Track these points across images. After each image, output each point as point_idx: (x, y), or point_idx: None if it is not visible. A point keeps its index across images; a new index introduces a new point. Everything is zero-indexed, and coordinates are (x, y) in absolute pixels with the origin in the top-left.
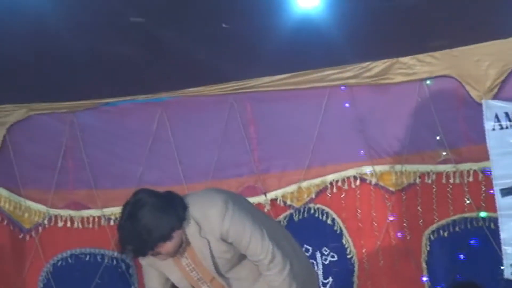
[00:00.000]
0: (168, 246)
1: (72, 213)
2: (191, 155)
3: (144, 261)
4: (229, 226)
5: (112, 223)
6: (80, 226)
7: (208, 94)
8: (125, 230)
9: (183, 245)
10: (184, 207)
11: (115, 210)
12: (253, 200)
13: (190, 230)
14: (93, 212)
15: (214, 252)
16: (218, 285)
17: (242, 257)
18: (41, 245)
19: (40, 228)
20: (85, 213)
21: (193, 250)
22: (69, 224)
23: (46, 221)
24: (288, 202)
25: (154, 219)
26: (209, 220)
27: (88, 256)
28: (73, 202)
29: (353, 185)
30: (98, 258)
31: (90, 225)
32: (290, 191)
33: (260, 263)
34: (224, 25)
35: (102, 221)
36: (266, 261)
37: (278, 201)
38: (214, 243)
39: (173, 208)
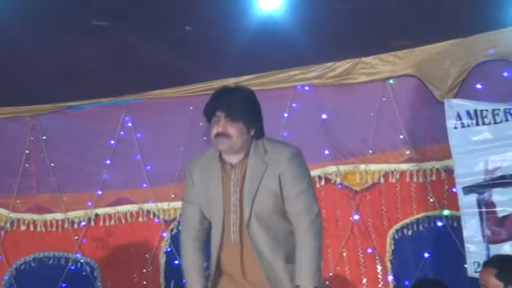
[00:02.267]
0: (237, 127)
1: (35, 216)
2: (156, 158)
3: (195, 179)
4: (294, 167)
5: (76, 226)
6: (43, 229)
7: (173, 96)
8: (231, 93)
9: (240, 161)
10: (261, 131)
11: (79, 214)
12: None
13: (256, 149)
14: (57, 216)
15: (263, 184)
16: (244, 227)
17: (276, 224)
18: (3, 249)
19: (2, 232)
20: (49, 216)
21: (246, 169)
22: (32, 228)
23: (8, 225)
24: None
25: (244, 101)
26: (279, 153)
27: (51, 260)
28: (37, 206)
29: (318, 185)
30: (62, 261)
31: (54, 229)
32: None
33: (301, 222)
34: (187, 28)
35: (66, 225)
36: (307, 220)
37: None
38: (270, 174)
39: (258, 117)
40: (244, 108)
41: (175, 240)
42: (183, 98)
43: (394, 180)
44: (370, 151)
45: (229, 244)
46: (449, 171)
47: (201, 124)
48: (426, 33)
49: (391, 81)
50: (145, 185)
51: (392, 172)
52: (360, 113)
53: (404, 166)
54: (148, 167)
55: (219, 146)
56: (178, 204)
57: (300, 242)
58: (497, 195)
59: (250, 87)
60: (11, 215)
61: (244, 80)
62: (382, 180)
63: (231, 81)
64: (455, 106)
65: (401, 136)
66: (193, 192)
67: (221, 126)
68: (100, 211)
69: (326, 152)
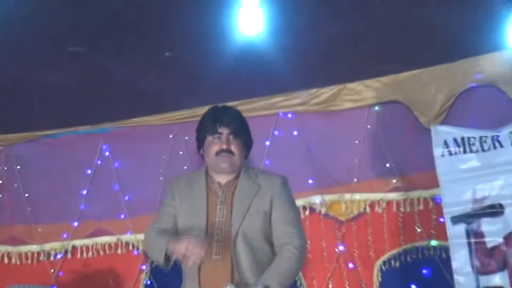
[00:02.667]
0: (239, 145)
1: (10, 248)
2: (135, 188)
3: (177, 193)
4: (287, 193)
5: (52, 258)
6: (18, 262)
7: (152, 123)
8: (230, 110)
9: (229, 181)
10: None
11: (55, 245)
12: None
13: (247, 171)
14: (32, 248)
15: (254, 204)
16: (228, 245)
17: (261, 246)
18: None
19: None
20: (24, 248)
21: (236, 189)
22: (6, 260)
23: None
24: None
25: (243, 119)
26: (272, 178)
27: None
28: (11, 237)
29: (302, 215)
30: None
31: (29, 261)
32: None
33: (286, 248)
34: (167, 54)
35: (42, 257)
36: (292, 247)
37: None
38: (262, 195)
39: (251, 138)
40: (244, 127)
41: (155, 272)
42: (163, 126)
43: (380, 210)
44: (355, 180)
45: (209, 261)
46: (437, 200)
47: (181, 152)
48: (412, 58)
49: (376, 108)
50: (123, 215)
51: (379, 201)
52: (345, 141)
53: (391, 196)
54: (127, 197)
55: (221, 164)
56: None
57: (279, 257)
58: (486, 225)
59: None
60: None
61: (227, 106)
62: (368, 209)
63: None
64: (441, 133)
65: (387, 164)
66: (172, 205)
67: (225, 143)
68: (78, 242)
69: (310, 181)
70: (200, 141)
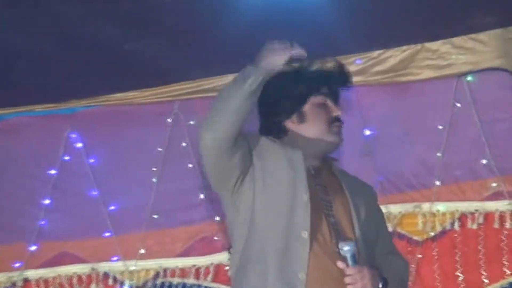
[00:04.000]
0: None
1: None
2: (118, 194)
3: (260, 161)
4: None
5: None
6: None
7: (142, 102)
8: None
9: (321, 167)
10: None
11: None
12: (212, 259)
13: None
14: None
15: (367, 205)
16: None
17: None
18: None
19: None
20: None
21: (339, 178)
22: None
23: None
24: None
25: None
26: (359, 180)
27: None
28: None
29: None
30: None
31: None
32: None
33: (395, 260)
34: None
35: None
36: (403, 260)
37: None
38: (369, 197)
39: None
40: None
41: None
42: (158, 105)
43: (475, 226)
44: (438, 183)
45: (322, 259)
46: None
47: (184, 144)
48: None
49: (469, 78)
50: (103, 234)
51: (472, 213)
52: (422, 126)
53: (491, 205)
54: (108, 208)
55: (336, 138)
56: (149, 263)
57: (389, 264)
58: None
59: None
60: None
61: None
62: (456, 225)
63: (227, 80)
64: None
65: (484, 161)
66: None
67: (336, 108)
68: (31, 274)
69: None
70: (292, 105)
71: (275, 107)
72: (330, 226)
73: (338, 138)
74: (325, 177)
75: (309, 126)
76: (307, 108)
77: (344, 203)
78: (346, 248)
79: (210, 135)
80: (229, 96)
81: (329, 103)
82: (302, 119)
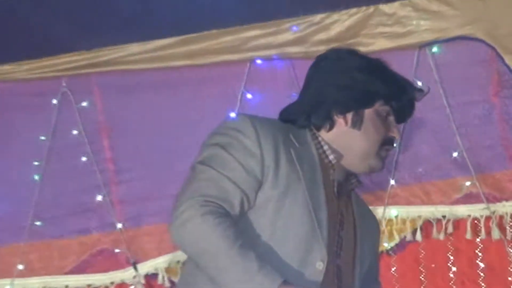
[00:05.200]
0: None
1: None
2: None
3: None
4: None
5: None
6: None
7: (19, 78)
8: None
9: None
10: None
11: None
12: (112, 276)
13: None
14: None
15: (366, 244)
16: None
17: None
18: None
19: None
20: None
21: (353, 205)
22: None
23: None
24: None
25: None
26: (371, 214)
27: None
28: None
29: None
30: None
31: None
32: (179, 259)
33: None
34: None
35: None
36: None
37: (160, 279)
38: (369, 238)
39: None
40: None
41: None
42: (39, 82)
43: (441, 236)
44: (393, 182)
45: None
46: None
47: (75, 132)
48: None
49: (434, 49)
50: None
51: (439, 220)
52: None
53: (462, 210)
54: None
55: (379, 164)
56: (31, 282)
57: None
58: None
59: (168, 61)
60: None
61: (158, 47)
62: (419, 235)
63: (132, 50)
64: None
65: (455, 153)
66: (254, 174)
67: (398, 130)
68: None
69: None
70: (356, 101)
71: (332, 94)
72: (334, 269)
73: (381, 164)
74: (343, 203)
75: (360, 137)
76: (369, 113)
77: (351, 247)
78: None
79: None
80: (225, 266)
81: (392, 119)
82: (357, 123)
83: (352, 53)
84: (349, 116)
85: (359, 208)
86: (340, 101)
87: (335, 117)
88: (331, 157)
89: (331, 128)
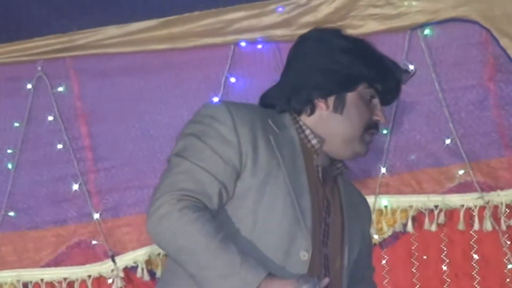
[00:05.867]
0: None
1: None
2: None
3: (252, 147)
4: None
5: None
6: None
7: None
8: None
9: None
10: None
11: None
12: (90, 269)
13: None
14: None
15: (357, 227)
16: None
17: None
18: None
19: None
20: None
21: (340, 190)
22: None
23: None
24: (158, 273)
25: None
26: (360, 196)
27: None
28: None
29: None
30: None
31: None
32: (159, 251)
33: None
34: None
35: None
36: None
37: (139, 272)
38: (359, 221)
39: None
40: None
41: None
42: (13, 67)
43: (433, 227)
44: (384, 170)
45: None
46: None
47: (50, 118)
48: None
49: (427, 32)
50: None
51: (431, 210)
52: None
53: (455, 199)
54: None
55: (363, 149)
56: (3, 275)
57: None
58: None
59: (147, 44)
60: None
61: (136, 31)
62: (410, 226)
63: (110, 33)
64: None
65: (448, 140)
66: (235, 163)
67: (382, 113)
68: None
69: None
70: (337, 85)
71: (313, 77)
72: (321, 258)
73: (365, 149)
74: (329, 188)
75: (343, 121)
76: (352, 97)
77: (339, 234)
78: None
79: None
80: (205, 263)
81: (377, 102)
82: (338, 107)
83: (336, 34)
84: (331, 100)
85: (347, 193)
86: (321, 85)
87: (316, 101)
88: (313, 141)
89: (312, 112)
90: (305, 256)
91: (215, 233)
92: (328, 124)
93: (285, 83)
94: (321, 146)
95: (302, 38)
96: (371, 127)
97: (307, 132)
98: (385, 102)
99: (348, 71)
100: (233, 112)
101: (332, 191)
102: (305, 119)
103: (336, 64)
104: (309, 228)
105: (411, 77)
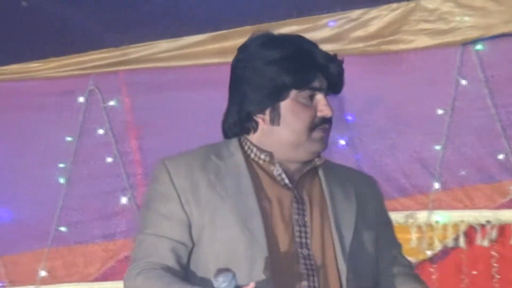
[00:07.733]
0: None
1: None
2: (11, 200)
3: (193, 193)
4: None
5: None
6: None
7: (45, 76)
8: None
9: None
10: None
11: None
12: None
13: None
14: None
15: (361, 212)
16: (332, 276)
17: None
18: None
19: None
20: None
21: (322, 187)
22: None
23: None
24: None
25: None
26: (358, 174)
27: None
28: None
29: None
30: None
31: None
32: None
33: (408, 265)
34: None
35: None
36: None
37: None
38: (364, 201)
39: None
40: None
41: None
42: (66, 80)
43: (486, 243)
44: (437, 185)
45: None
46: None
47: (101, 131)
48: None
49: (479, 47)
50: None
51: (483, 226)
52: (417, 111)
53: (508, 214)
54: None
55: (317, 146)
56: None
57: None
58: None
59: (198, 58)
60: None
61: (188, 45)
62: (462, 241)
63: (161, 47)
64: None
65: (501, 156)
66: (182, 215)
67: (327, 107)
68: None
69: None
70: (267, 98)
71: (247, 95)
72: (300, 261)
73: (321, 146)
74: (306, 184)
75: (282, 131)
76: (286, 104)
77: (326, 224)
78: (220, 281)
79: None
80: None
81: (319, 98)
82: (275, 119)
83: (263, 43)
84: (267, 113)
85: (334, 180)
86: (254, 101)
87: (255, 118)
88: (262, 157)
89: (255, 129)
90: (267, 274)
91: (159, 278)
92: (271, 136)
93: (228, 108)
94: (272, 158)
95: (235, 56)
96: (318, 124)
97: (254, 150)
98: (331, 92)
99: (274, 83)
100: (168, 167)
101: (310, 187)
102: (252, 137)
103: (262, 77)
104: (264, 246)
105: (342, 63)
